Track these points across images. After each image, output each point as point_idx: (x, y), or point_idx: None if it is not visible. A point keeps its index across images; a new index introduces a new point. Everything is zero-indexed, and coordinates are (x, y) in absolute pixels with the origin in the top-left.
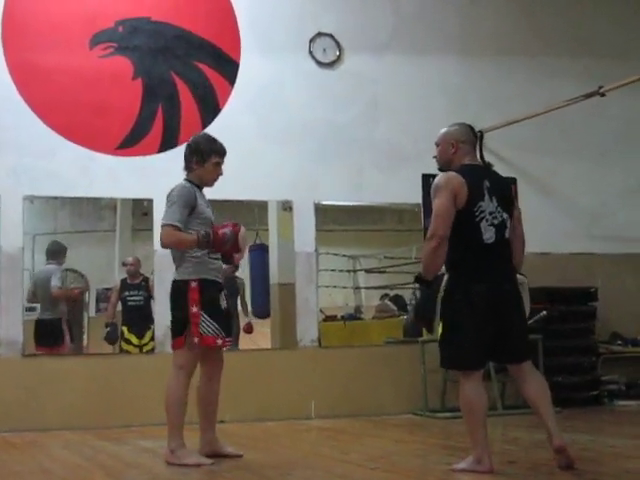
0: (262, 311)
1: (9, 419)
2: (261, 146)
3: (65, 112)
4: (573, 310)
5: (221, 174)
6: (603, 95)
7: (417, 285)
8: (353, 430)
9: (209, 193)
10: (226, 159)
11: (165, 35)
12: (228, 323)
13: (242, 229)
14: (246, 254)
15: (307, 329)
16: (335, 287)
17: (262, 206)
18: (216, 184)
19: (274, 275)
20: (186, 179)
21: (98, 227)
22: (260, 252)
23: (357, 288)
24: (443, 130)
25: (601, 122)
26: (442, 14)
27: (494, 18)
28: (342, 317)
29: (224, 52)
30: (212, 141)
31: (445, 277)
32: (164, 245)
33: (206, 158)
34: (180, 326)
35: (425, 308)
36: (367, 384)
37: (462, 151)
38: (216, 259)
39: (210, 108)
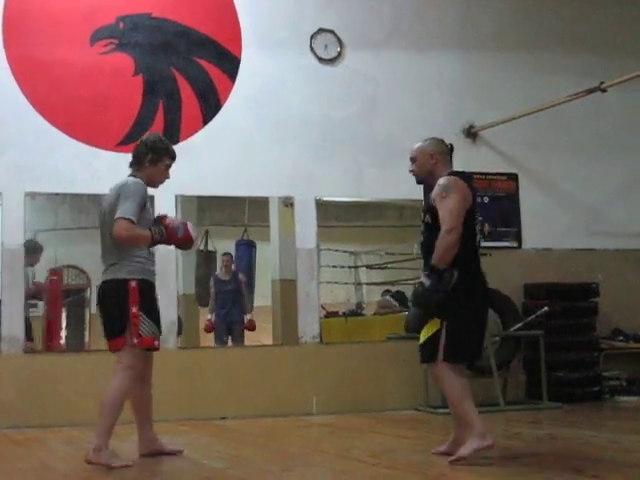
0: None
1: (11, 416)
2: (262, 142)
3: (66, 108)
4: (574, 306)
5: (168, 177)
6: (604, 91)
7: (425, 275)
8: (354, 426)
9: (211, 189)
10: (227, 155)
11: (166, 31)
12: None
13: (189, 223)
14: (233, 249)
15: (309, 325)
16: (336, 283)
17: (263, 202)
18: (216, 180)
19: (275, 271)
20: (132, 175)
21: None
22: (246, 247)
23: (358, 284)
24: (417, 145)
25: (601, 118)
26: (442, 10)
27: (493, 14)
28: (343, 313)
29: (225, 48)
30: (167, 143)
31: (455, 273)
32: (120, 239)
33: (160, 158)
34: (119, 326)
35: (430, 297)
36: (368, 380)
37: (441, 162)
38: (151, 260)
39: (211, 104)
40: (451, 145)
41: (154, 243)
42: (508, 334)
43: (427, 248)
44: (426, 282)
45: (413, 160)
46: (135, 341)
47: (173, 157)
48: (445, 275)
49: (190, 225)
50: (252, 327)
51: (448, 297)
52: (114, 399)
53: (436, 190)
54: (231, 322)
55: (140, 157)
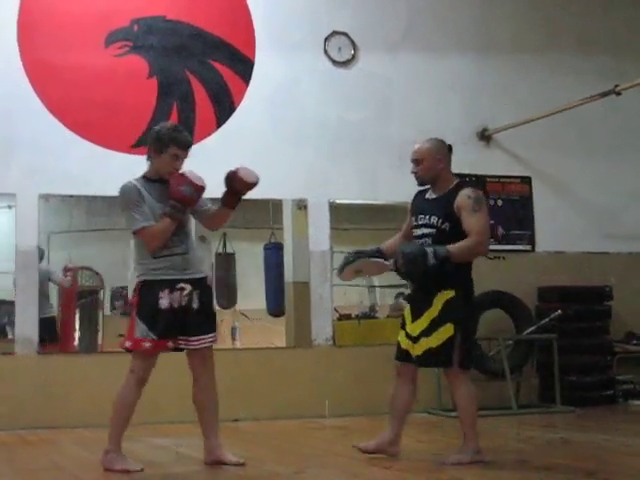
0: (276, 310)
1: (24, 416)
2: (276, 145)
3: (80, 111)
4: (588, 309)
5: (179, 168)
6: (619, 94)
7: (432, 253)
8: (367, 429)
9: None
10: (241, 157)
11: (180, 34)
12: (171, 323)
13: (187, 172)
14: (261, 252)
15: (322, 328)
16: (350, 286)
17: (277, 205)
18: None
19: (289, 273)
20: (141, 176)
21: (113, 225)
22: (274, 250)
23: (372, 287)
24: (424, 146)
25: (616, 121)
26: (457, 12)
27: (509, 16)
28: (357, 316)
29: (239, 51)
30: (175, 130)
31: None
32: (153, 248)
33: (164, 148)
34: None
35: (421, 270)
36: (381, 383)
37: (448, 165)
38: (166, 256)
39: (225, 107)
40: (450, 146)
41: (177, 219)
42: (521, 337)
43: None
44: (430, 259)
45: (418, 162)
46: (127, 344)
47: (181, 146)
48: (445, 265)
49: (192, 173)
50: None
51: (461, 305)
52: (115, 403)
53: (466, 201)
54: None
55: (148, 148)
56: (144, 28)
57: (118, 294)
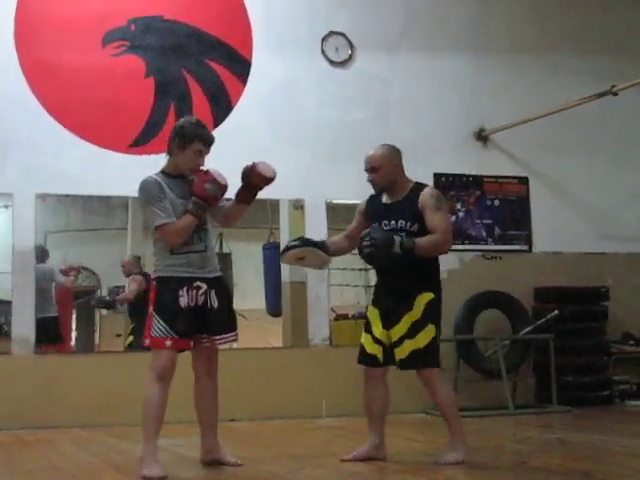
0: (275, 310)
1: (21, 417)
2: (273, 145)
3: (77, 110)
4: (584, 310)
5: (201, 165)
6: (616, 94)
7: (399, 243)
8: (364, 429)
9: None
10: (238, 157)
11: (177, 33)
12: (191, 321)
13: (211, 170)
14: (258, 252)
15: (318, 327)
16: (347, 285)
17: (274, 205)
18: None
19: (285, 273)
20: (160, 171)
21: (110, 225)
22: (273, 251)
23: (368, 286)
24: (377, 153)
25: (613, 121)
26: (454, 12)
27: (506, 16)
28: (353, 316)
29: (236, 50)
30: (199, 126)
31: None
32: (175, 244)
33: (188, 143)
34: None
35: (387, 258)
36: None
37: (402, 170)
38: (184, 253)
39: (222, 106)
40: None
41: (199, 217)
42: (518, 337)
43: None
44: (397, 248)
45: (375, 170)
46: (147, 342)
47: (206, 142)
48: (407, 256)
49: (216, 172)
50: None
51: (435, 307)
52: (143, 404)
53: (429, 200)
54: None
55: (169, 143)
56: (141, 28)
57: (115, 294)
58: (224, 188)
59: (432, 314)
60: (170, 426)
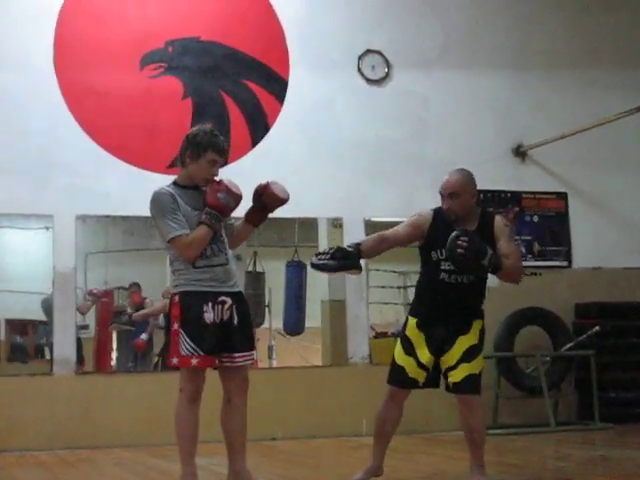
0: (294, 328)
1: (63, 437)
2: (311, 163)
3: (116, 132)
4: (626, 325)
5: (216, 175)
6: None
7: (489, 257)
8: (404, 447)
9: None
10: (276, 176)
11: (214, 54)
12: (217, 338)
13: (224, 180)
14: (283, 269)
15: (358, 346)
16: (386, 304)
17: (304, 223)
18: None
19: (324, 292)
20: (172, 182)
21: (150, 245)
22: (297, 269)
23: (407, 304)
24: (460, 180)
25: None
26: (490, 29)
27: (544, 33)
28: (393, 333)
29: (273, 70)
30: (213, 135)
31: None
32: (189, 257)
33: (202, 153)
34: (169, 344)
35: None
36: (418, 401)
37: (477, 198)
38: (208, 266)
39: (260, 126)
40: None
41: (214, 228)
42: (559, 354)
43: (471, 289)
44: (486, 261)
45: (453, 196)
46: (175, 361)
47: (219, 151)
48: (488, 271)
49: (229, 181)
50: (141, 346)
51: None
52: (175, 424)
53: (503, 228)
54: None
55: (182, 153)
56: (179, 49)
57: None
58: (238, 198)
59: (483, 342)
60: (205, 445)
